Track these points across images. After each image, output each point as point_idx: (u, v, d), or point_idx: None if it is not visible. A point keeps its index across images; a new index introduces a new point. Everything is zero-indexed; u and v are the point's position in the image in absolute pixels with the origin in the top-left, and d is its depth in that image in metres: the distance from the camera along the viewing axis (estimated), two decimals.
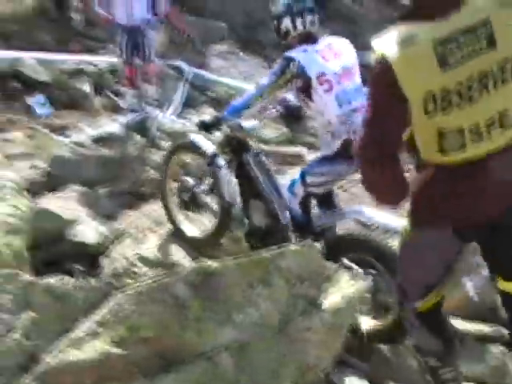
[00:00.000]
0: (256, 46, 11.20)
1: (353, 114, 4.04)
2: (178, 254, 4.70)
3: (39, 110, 8.34)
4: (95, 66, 9.64)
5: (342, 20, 11.97)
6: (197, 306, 2.94)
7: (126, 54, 7.94)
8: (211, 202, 4.94)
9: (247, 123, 4.34)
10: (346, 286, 3.46)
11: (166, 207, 5.21)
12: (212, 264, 2.82)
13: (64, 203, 5.37)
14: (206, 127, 4.33)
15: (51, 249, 4.95)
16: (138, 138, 7.66)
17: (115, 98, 9.40)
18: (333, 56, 4.10)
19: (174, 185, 5.22)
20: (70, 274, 4.87)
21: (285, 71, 3.99)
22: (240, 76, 10.02)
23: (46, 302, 2.64)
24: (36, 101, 8.47)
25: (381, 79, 2.36)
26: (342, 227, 4.39)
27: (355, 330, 3.77)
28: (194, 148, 4.87)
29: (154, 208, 5.57)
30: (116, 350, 2.72)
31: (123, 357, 2.73)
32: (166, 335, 2.83)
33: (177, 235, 5.02)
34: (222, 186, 4.61)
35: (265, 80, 4.07)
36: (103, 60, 9.94)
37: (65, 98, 9.08)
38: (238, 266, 2.75)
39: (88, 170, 6.37)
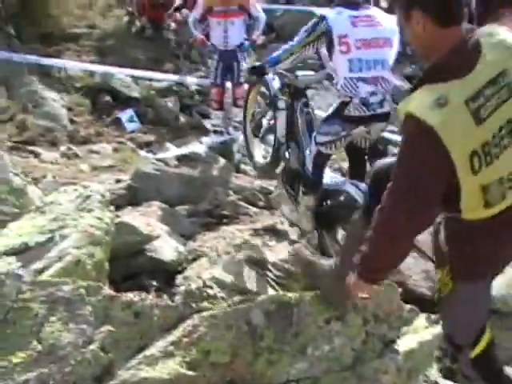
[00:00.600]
0: None
1: (359, 82, 4.20)
2: (254, 280, 4.69)
3: (128, 125, 8.54)
4: (185, 85, 9.83)
5: None
6: (270, 336, 2.93)
7: (217, 76, 8.06)
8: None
9: (302, 74, 4.73)
10: (422, 330, 3.39)
11: (245, 132, 5.64)
12: (288, 294, 2.81)
13: (145, 219, 5.45)
14: (253, 72, 4.89)
15: (129, 262, 5.01)
16: (221, 160, 7.73)
17: (202, 119, 9.55)
18: (366, 24, 4.28)
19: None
20: (146, 289, 4.96)
21: (315, 28, 4.29)
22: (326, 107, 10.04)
23: (124, 317, 2.67)
24: (126, 115, 8.68)
25: (424, 144, 2.27)
26: None
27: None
28: (266, 86, 5.18)
29: (233, 231, 5.59)
30: (188, 372, 2.73)
31: (194, 379, 2.74)
32: (238, 362, 2.83)
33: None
34: (276, 124, 4.95)
35: (297, 37, 4.40)
36: (193, 81, 10.13)
37: (152, 114, 9.31)
38: (314, 299, 2.73)
39: (170, 188, 6.45)
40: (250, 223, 5.87)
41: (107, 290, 2.62)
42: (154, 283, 4.96)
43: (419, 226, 2.37)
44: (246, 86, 8.30)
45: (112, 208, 4.14)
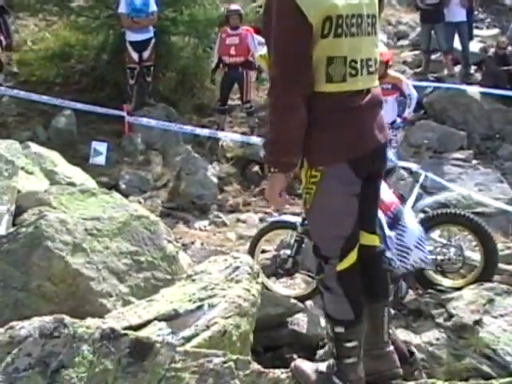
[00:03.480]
0: (492, 158, 10.98)
1: None
2: None
3: None
4: None
5: None
6: None
7: None
8: None
9: None
10: None
11: None
12: (436, 382, 2.70)
13: (289, 291, 5.49)
14: None
15: (271, 334, 5.04)
16: None
17: None
18: None
19: None
20: (287, 362, 4.95)
21: None
22: (474, 187, 9.76)
23: None
24: None
25: (286, 13, 2.46)
26: None
27: None
28: None
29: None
30: None
31: None
32: None
33: None
34: None
35: None
36: None
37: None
38: None
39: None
40: None
41: (255, 365, 2.63)
42: (295, 356, 4.96)
43: (305, 86, 2.50)
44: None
45: (260, 280, 4.18)
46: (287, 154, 2.61)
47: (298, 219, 5.26)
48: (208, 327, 3.60)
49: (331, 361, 2.76)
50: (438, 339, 4.22)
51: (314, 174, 2.59)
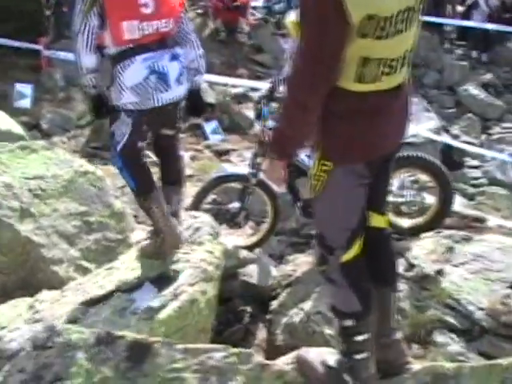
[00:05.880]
0: (418, 86, 11.03)
1: None
2: None
3: (212, 136, 8.46)
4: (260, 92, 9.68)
5: None
6: None
7: None
8: None
9: None
10: None
11: None
12: (444, 365, 2.64)
13: (239, 240, 5.36)
14: None
15: (223, 286, 4.93)
16: None
17: None
18: None
19: None
20: (241, 315, 4.87)
21: None
22: None
23: None
24: (210, 126, 8.60)
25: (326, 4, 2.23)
26: None
27: None
28: None
29: None
30: None
31: None
32: None
33: None
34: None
35: None
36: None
37: (228, 122, 9.19)
38: (472, 371, 2.56)
39: (254, 204, 6.33)
40: None
41: (258, 358, 2.49)
42: (248, 309, 4.88)
43: (330, 84, 2.34)
44: None
45: (221, 240, 4.03)
46: (295, 148, 2.53)
47: (246, 170, 5.08)
48: (176, 296, 3.45)
49: (341, 356, 2.65)
50: (400, 291, 4.20)
51: (326, 163, 2.44)
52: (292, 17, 3.94)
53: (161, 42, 3.57)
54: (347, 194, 2.49)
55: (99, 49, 3.57)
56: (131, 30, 3.47)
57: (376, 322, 2.61)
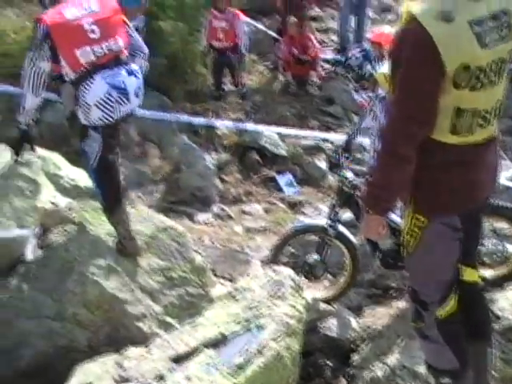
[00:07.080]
0: None
1: None
2: None
3: (287, 189, 8.48)
4: (331, 143, 9.68)
5: None
6: None
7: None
8: None
9: None
10: None
11: None
12: None
13: (317, 293, 5.33)
14: None
15: (305, 340, 4.89)
16: None
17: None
18: None
19: None
20: (322, 368, 4.80)
21: None
22: None
23: None
24: (284, 179, 8.64)
25: (422, 52, 2.28)
26: None
27: None
28: None
29: (401, 307, 5.32)
30: None
31: None
32: None
33: None
34: None
35: None
36: (339, 138, 9.96)
37: (300, 173, 9.19)
38: None
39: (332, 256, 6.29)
40: None
41: None
42: (329, 363, 4.82)
43: (424, 136, 2.33)
44: None
45: (304, 294, 4.01)
46: (390, 201, 2.52)
47: (324, 221, 5.07)
48: (260, 352, 3.43)
49: None
50: None
51: (421, 218, 2.43)
52: (383, 69, 3.99)
53: (116, 60, 3.90)
54: (442, 249, 2.46)
55: (60, 76, 3.89)
56: (85, 56, 3.81)
57: (472, 379, 2.55)
